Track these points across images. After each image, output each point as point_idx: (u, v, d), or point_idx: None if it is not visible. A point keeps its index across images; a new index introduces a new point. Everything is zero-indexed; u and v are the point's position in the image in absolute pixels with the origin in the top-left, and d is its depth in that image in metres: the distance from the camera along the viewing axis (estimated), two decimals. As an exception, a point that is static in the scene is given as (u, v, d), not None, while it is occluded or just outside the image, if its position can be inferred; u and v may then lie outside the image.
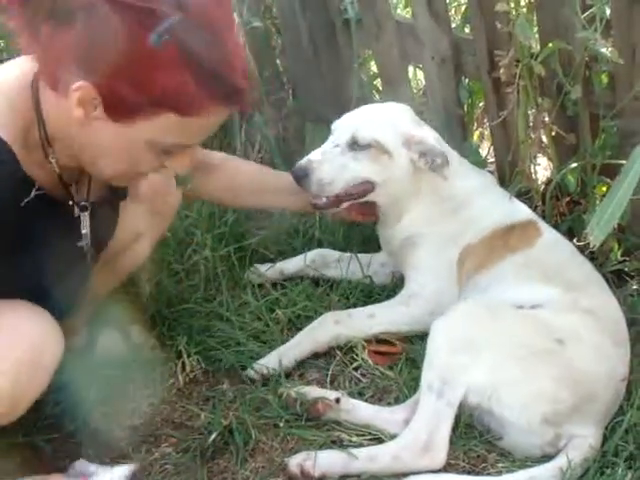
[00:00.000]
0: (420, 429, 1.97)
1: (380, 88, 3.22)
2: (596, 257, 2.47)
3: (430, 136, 2.33)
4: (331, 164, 2.27)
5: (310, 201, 2.33)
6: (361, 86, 3.14)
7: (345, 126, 2.33)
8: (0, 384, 1.65)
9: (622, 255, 2.53)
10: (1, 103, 1.62)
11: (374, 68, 3.25)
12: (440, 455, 1.95)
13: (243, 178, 2.47)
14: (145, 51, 1.47)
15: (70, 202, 1.80)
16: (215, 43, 1.53)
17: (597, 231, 1.56)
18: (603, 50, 2.15)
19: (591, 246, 1.63)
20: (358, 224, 2.72)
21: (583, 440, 1.95)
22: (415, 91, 3.23)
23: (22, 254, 1.72)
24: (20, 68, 1.65)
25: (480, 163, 2.68)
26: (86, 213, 1.83)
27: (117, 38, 1.46)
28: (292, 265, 2.68)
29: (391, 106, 2.46)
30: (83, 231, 1.84)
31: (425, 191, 2.39)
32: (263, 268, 2.66)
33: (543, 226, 2.37)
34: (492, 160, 2.91)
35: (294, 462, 1.96)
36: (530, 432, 1.98)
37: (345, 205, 2.35)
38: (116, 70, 1.49)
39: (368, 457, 1.96)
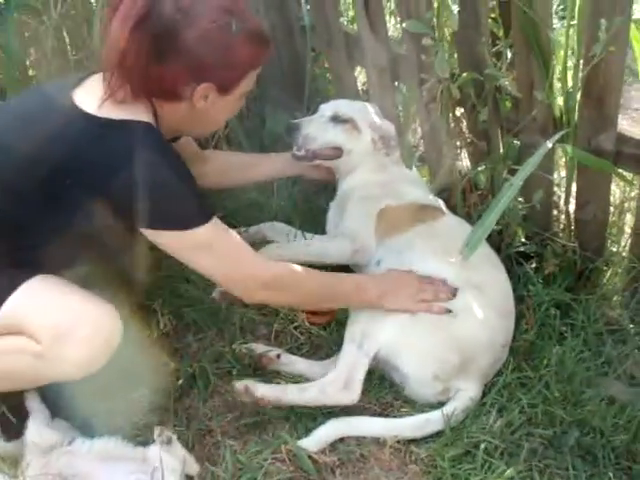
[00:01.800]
0: (342, 371, 2.30)
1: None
2: (503, 239, 2.82)
3: (390, 126, 2.85)
4: (316, 126, 2.79)
5: (292, 152, 2.80)
6: (314, 79, 3.50)
7: (330, 106, 2.85)
8: (77, 349, 2.02)
9: (525, 239, 2.89)
10: (142, 112, 2.13)
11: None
12: (356, 392, 2.29)
13: (232, 160, 2.97)
14: (232, 44, 2.11)
15: None
16: (250, 19, 2.17)
17: (468, 249, 1.97)
18: (506, 84, 2.58)
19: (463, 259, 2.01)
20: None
21: (465, 393, 2.33)
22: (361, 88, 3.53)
23: None
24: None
25: (411, 157, 3.06)
26: None
27: (213, 50, 2.09)
28: (250, 233, 3.00)
29: (364, 103, 2.95)
30: None
31: (371, 165, 2.84)
32: None
33: (448, 212, 2.77)
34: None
35: (240, 384, 2.28)
36: (424, 385, 2.36)
37: (316, 162, 2.82)
38: (220, 67, 2.13)
39: (299, 389, 2.30)
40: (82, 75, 2.24)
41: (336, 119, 2.80)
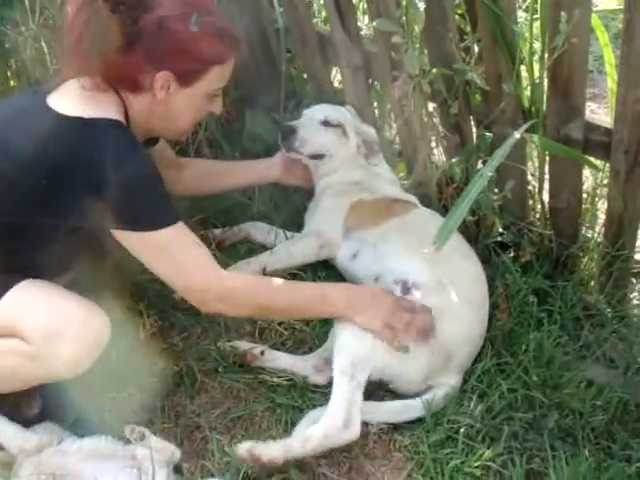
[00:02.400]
0: (339, 408, 2.21)
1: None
2: (480, 230, 2.88)
3: (372, 130, 2.96)
4: (310, 130, 2.87)
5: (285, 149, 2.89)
6: (291, 80, 3.54)
7: (317, 110, 2.95)
8: (67, 348, 2.07)
9: (502, 229, 2.94)
10: (113, 110, 2.18)
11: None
12: (356, 427, 2.21)
13: (208, 167, 3.03)
14: (192, 36, 2.17)
15: None
16: (216, 15, 2.24)
17: (441, 238, 2.02)
18: (475, 77, 2.62)
19: (436, 249, 2.07)
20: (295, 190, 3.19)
21: (447, 383, 2.39)
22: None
23: None
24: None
25: (391, 154, 3.14)
26: None
27: (172, 38, 2.15)
28: (234, 231, 3.08)
29: (347, 108, 3.04)
30: None
31: (349, 166, 2.94)
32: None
33: (420, 205, 2.86)
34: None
35: (243, 449, 2.13)
36: (412, 387, 2.40)
37: (299, 157, 2.92)
38: (178, 56, 2.19)
39: (302, 441, 2.17)
40: (58, 80, 2.29)
41: (327, 124, 2.89)
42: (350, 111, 3.03)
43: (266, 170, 3.02)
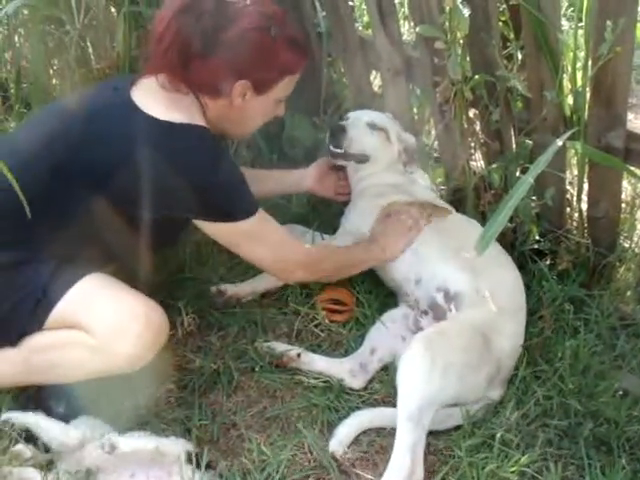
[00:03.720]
0: (405, 458, 2.15)
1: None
2: (517, 237, 2.87)
3: (413, 139, 2.98)
4: (358, 130, 2.89)
5: (330, 149, 2.91)
6: (331, 84, 3.57)
7: (363, 114, 2.99)
8: (131, 343, 2.17)
9: (539, 236, 2.93)
10: (196, 114, 2.31)
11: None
12: (421, 473, 2.17)
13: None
14: (270, 47, 2.29)
15: None
16: (290, 26, 2.37)
17: (482, 244, 2.02)
18: (517, 84, 2.61)
19: (477, 255, 2.08)
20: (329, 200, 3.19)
21: (490, 397, 2.40)
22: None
23: None
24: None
25: (427, 159, 3.14)
26: None
27: (252, 49, 2.26)
28: None
29: (387, 115, 3.05)
30: None
31: (389, 171, 2.95)
32: None
33: (455, 212, 2.86)
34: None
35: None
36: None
37: (342, 162, 2.98)
38: (257, 66, 2.30)
39: None
40: (132, 77, 2.42)
41: (373, 126, 2.91)
42: (391, 118, 3.04)
43: (299, 181, 3.07)
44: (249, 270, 2.87)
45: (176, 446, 2.15)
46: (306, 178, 3.07)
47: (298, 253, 2.55)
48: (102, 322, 2.18)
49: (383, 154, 2.94)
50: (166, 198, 2.24)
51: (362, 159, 2.92)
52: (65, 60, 3.35)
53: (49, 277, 2.23)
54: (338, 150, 2.90)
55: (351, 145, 2.88)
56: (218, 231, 2.39)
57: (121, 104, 2.28)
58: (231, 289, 2.81)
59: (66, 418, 2.26)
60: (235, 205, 2.34)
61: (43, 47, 3.23)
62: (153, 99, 2.27)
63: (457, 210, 2.92)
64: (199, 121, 2.30)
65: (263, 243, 2.44)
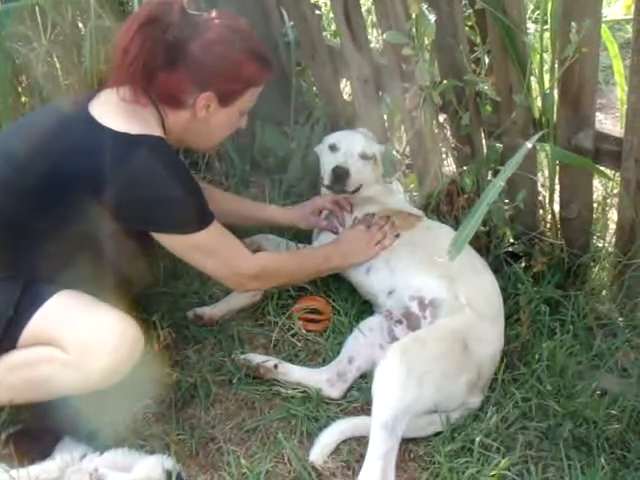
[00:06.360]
0: (376, 468, 2.14)
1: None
2: (491, 240, 2.88)
3: (389, 149, 3.01)
4: (356, 167, 2.86)
5: (335, 189, 2.87)
6: (301, 93, 3.57)
7: (352, 141, 2.92)
8: (105, 359, 2.15)
9: (513, 239, 2.95)
10: (154, 125, 2.30)
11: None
12: None
13: (237, 207, 3.00)
14: (235, 59, 2.31)
15: None
16: (254, 39, 2.39)
17: (454, 249, 2.02)
18: (486, 88, 2.65)
19: (450, 260, 2.07)
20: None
21: (470, 403, 2.39)
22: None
23: None
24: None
25: (395, 165, 3.12)
26: None
27: (217, 62, 2.29)
28: (246, 243, 2.97)
29: (360, 130, 3.05)
30: None
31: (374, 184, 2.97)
32: None
33: (426, 218, 2.87)
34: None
35: None
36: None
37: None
38: (222, 78, 2.31)
39: None
40: (94, 91, 2.41)
41: (365, 157, 2.89)
42: (365, 134, 3.02)
43: (283, 216, 3.05)
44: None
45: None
46: (293, 217, 3.05)
47: (252, 266, 2.52)
48: (76, 337, 2.16)
49: (372, 177, 2.94)
50: (121, 210, 2.22)
51: (358, 188, 2.91)
52: (33, 77, 3.32)
53: (20, 295, 2.21)
54: (344, 190, 2.87)
55: (354, 185, 2.86)
56: (172, 243, 2.36)
57: (78, 117, 2.27)
58: (208, 312, 2.79)
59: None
60: (188, 217, 2.32)
61: (10, 64, 3.19)
62: (111, 111, 2.26)
63: (430, 216, 2.92)
64: (156, 132, 2.29)
65: (217, 255, 2.42)
